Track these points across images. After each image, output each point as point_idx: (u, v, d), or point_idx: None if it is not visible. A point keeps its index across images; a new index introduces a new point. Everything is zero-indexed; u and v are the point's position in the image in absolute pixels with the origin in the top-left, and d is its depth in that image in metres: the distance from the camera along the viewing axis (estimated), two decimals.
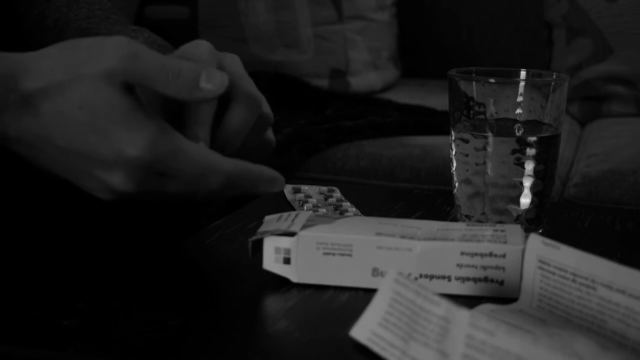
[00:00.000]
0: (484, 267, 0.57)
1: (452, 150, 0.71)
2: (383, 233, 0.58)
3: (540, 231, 0.70)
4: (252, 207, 0.78)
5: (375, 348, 0.48)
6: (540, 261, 0.55)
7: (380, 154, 1.45)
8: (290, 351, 0.50)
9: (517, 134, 0.68)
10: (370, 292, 0.53)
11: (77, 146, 0.54)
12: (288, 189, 0.81)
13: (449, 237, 0.58)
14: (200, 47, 0.61)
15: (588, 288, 0.52)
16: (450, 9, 2.07)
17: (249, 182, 0.57)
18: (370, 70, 1.89)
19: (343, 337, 0.50)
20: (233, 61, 0.62)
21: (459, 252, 0.57)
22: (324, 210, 0.75)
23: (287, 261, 0.59)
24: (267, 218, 0.63)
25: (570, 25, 1.74)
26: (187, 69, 0.55)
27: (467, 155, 0.69)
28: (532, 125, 0.68)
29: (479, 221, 0.70)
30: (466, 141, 0.69)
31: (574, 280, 0.53)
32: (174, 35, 1.30)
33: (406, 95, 1.81)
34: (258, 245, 0.59)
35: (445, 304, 0.47)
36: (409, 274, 0.58)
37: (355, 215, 0.74)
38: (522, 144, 0.68)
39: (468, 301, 0.56)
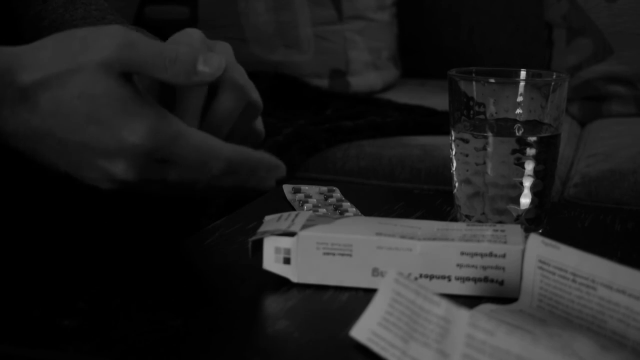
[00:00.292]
0: (484, 267, 0.57)
1: (452, 150, 0.71)
2: (383, 233, 0.58)
3: (540, 231, 0.70)
4: (252, 207, 0.78)
5: (375, 348, 0.48)
6: (540, 261, 0.55)
7: (380, 154, 1.45)
8: (290, 351, 0.50)
9: (517, 134, 0.68)
10: (370, 292, 0.53)
11: (77, 136, 0.54)
12: (288, 189, 0.81)
13: (449, 237, 0.58)
14: (192, 34, 0.61)
15: (588, 288, 0.52)
16: (450, 9, 2.07)
17: (249, 168, 0.57)
18: (370, 70, 1.89)
19: (343, 337, 0.50)
20: (224, 49, 0.61)
21: (459, 252, 0.57)
22: (324, 210, 0.75)
23: (287, 261, 0.59)
24: (267, 218, 0.62)
25: (570, 25, 1.74)
26: (184, 53, 0.55)
27: (467, 155, 0.69)
28: (532, 125, 0.68)
29: (479, 221, 0.70)
30: (466, 141, 0.69)
31: (574, 280, 0.53)
32: None
33: (406, 95, 1.81)
34: (258, 245, 0.59)
35: (445, 304, 0.47)
36: (409, 274, 0.58)
37: (355, 215, 0.74)
38: (522, 144, 0.68)
39: (468, 301, 0.56)
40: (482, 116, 0.69)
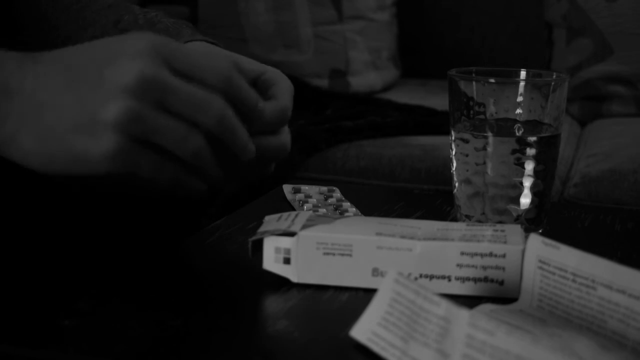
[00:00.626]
0: (484, 267, 0.57)
1: (452, 150, 0.71)
2: (383, 233, 0.58)
3: (540, 231, 0.70)
4: (252, 207, 0.78)
5: (375, 348, 0.48)
6: (540, 261, 0.55)
7: (380, 154, 1.45)
8: (290, 351, 0.50)
9: (517, 134, 0.68)
10: (370, 292, 0.53)
11: (85, 62, 0.55)
12: (288, 189, 0.81)
13: (449, 237, 0.58)
14: (283, 83, 0.64)
15: (588, 288, 0.52)
16: (450, 9, 2.07)
17: (248, 95, 0.58)
18: (370, 70, 1.88)
19: (343, 337, 0.50)
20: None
21: (459, 252, 0.57)
22: (324, 210, 0.75)
23: (287, 261, 0.59)
24: (267, 218, 0.62)
25: (570, 25, 1.74)
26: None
27: (467, 155, 0.69)
28: (532, 125, 0.68)
29: (479, 221, 0.70)
30: (466, 141, 0.69)
31: (574, 280, 0.53)
32: None
33: (406, 95, 1.81)
34: (258, 245, 0.59)
35: (445, 304, 0.47)
36: (409, 274, 0.58)
37: (355, 215, 0.74)
38: (522, 144, 0.68)
39: (468, 301, 0.56)
40: (482, 116, 0.69)
